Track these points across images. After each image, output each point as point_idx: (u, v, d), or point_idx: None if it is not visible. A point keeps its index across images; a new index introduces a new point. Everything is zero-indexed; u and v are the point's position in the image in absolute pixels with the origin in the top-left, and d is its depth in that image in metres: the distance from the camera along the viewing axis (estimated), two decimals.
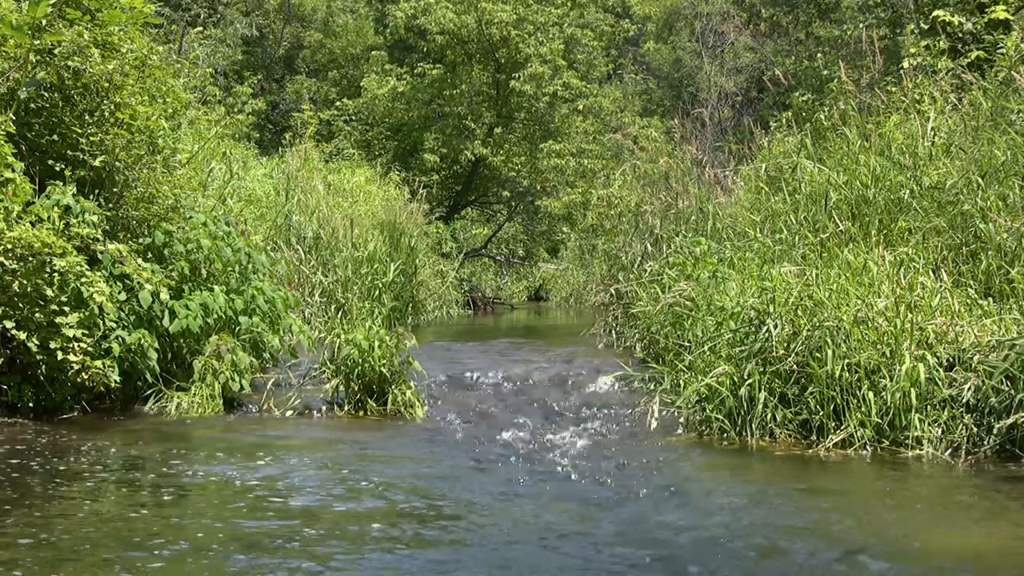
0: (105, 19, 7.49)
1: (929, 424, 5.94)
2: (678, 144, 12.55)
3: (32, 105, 7.31)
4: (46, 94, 7.35)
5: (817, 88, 17.37)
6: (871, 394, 6.08)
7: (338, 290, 12.11)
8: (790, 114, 11.69)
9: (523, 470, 5.75)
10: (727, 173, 11.77)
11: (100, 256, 7.10)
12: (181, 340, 7.56)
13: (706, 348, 7.07)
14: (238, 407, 7.51)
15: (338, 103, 24.44)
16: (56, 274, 6.52)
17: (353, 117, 24.12)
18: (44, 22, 7.09)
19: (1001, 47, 9.64)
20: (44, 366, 6.65)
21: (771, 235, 8.76)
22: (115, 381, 6.93)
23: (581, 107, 23.71)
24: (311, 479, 5.38)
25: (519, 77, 22.07)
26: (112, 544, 4.08)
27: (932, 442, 5.87)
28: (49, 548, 3.99)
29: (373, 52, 27.43)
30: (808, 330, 6.39)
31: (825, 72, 18.67)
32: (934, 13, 11.97)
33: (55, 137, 7.37)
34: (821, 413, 6.22)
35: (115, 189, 7.63)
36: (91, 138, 7.34)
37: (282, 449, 6.27)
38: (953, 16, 11.76)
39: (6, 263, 6.30)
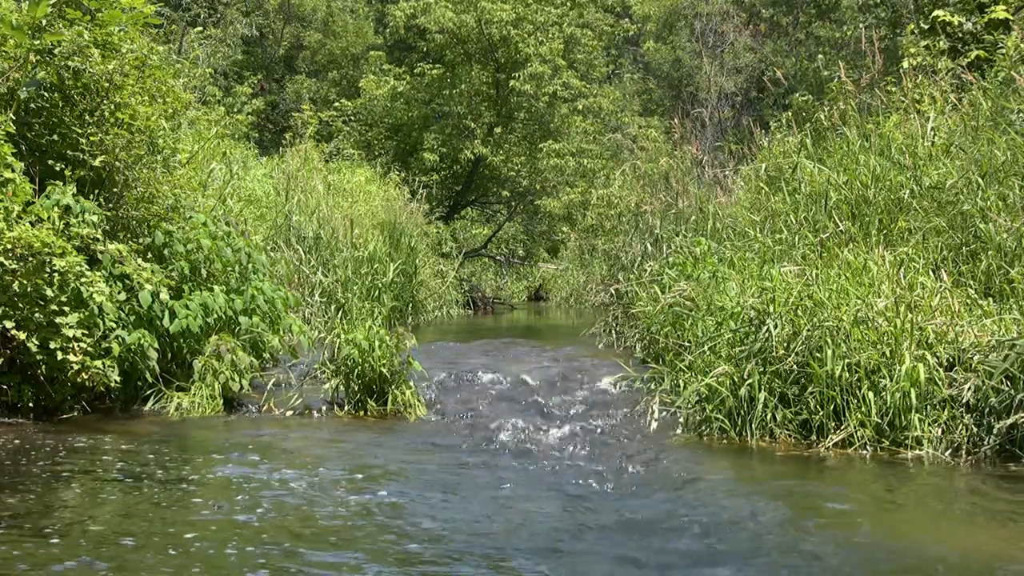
0: (105, 19, 7.49)
1: (929, 424, 5.93)
2: (678, 144, 12.55)
3: (32, 105, 7.31)
4: (46, 94, 7.35)
5: (817, 88, 17.37)
6: (871, 394, 6.07)
7: (338, 290, 12.11)
8: (790, 114, 11.68)
9: (522, 470, 5.75)
10: (727, 173, 11.78)
11: (100, 256, 7.10)
12: (181, 340, 7.56)
13: (706, 348, 7.06)
14: (238, 407, 7.51)
15: (337, 104, 24.44)
16: (56, 274, 6.52)
17: (352, 118, 24.11)
18: (44, 22, 7.09)
19: (1001, 47, 9.64)
20: (44, 366, 6.64)
21: (771, 235, 8.76)
22: (115, 381, 6.92)
23: (581, 107, 23.70)
24: (311, 479, 5.37)
25: (519, 77, 22.06)
26: (112, 544, 4.08)
27: (932, 442, 5.87)
28: (48, 548, 3.99)
29: (372, 52, 27.42)
30: (808, 330, 6.39)
31: (825, 72, 18.67)
32: (934, 13, 11.97)
33: (55, 137, 7.37)
34: (821, 413, 6.22)
35: (115, 189, 7.62)
36: (91, 138, 7.34)
37: (282, 449, 6.26)
38: (953, 16, 11.76)
39: (6, 263, 6.30)
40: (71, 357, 6.56)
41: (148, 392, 7.40)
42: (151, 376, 7.29)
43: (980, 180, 7.49)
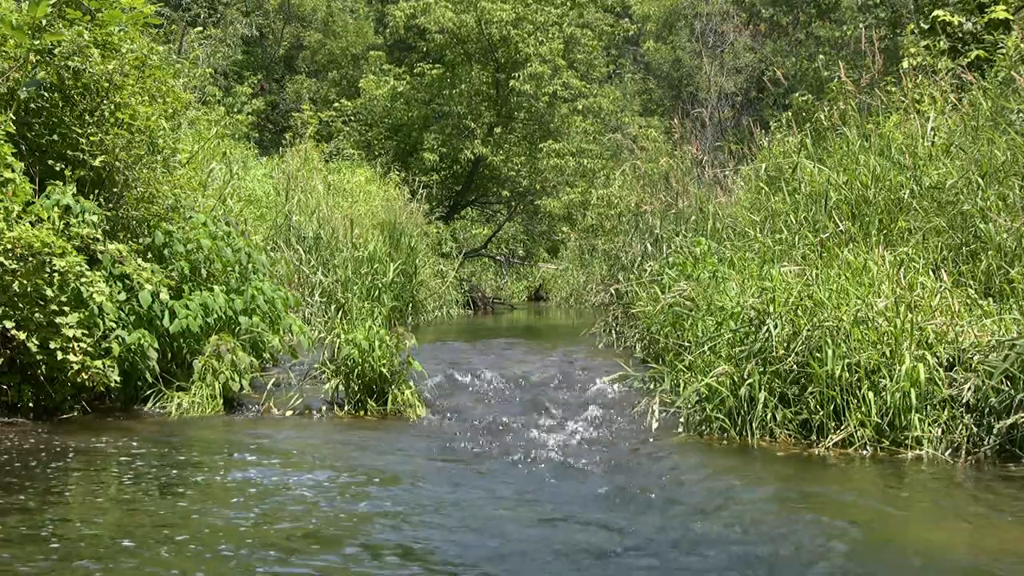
0: (105, 19, 7.50)
1: (929, 424, 5.93)
2: (678, 144, 12.56)
3: (32, 105, 7.31)
4: (46, 94, 7.35)
5: (817, 88, 17.38)
6: (871, 394, 6.07)
7: (338, 290, 12.11)
8: (790, 114, 11.68)
9: (522, 470, 5.75)
10: (727, 173, 11.78)
11: (100, 256, 7.10)
12: (181, 340, 7.56)
13: (706, 348, 7.06)
14: (238, 407, 7.51)
15: (337, 104, 24.45)
16: (56, 274, 6.52)
17: (352, 118, 24.12)
18: (44, 22, 7.09)
19: (1001, 47, 9.64)
20: (44, 366, 6.64)
21: (771, 235, 8.76)
22: (115, 381, 6.92)
23: (581, 107, 23.70)
24: (311, 479, 5.37)
25: (519, 77, 22.07)
26: (111, 544, 4.08)
27: (932, 442, 5.86)
28: (49, 548, 3.99)
29: (372, 52, 27.44)
30: (808, 330, 6.39)
31: (825, 72, 18.68)
32: (934, 13, 11.97)
33: (55, 137, 7.37)
34: (821, 413, 6.22)
35: (115, 189, 7.62)
36: (91, 138, 7.34)
37: (282, 450, 6.26)
38: (953, 16, 11.76)
39: (6, 263, 6.30)
40: (71, 357, 6.56)
41: (148, 392, 7.40)
42: (151, 376, 7.29)
43: (980, 180, 7.49)
